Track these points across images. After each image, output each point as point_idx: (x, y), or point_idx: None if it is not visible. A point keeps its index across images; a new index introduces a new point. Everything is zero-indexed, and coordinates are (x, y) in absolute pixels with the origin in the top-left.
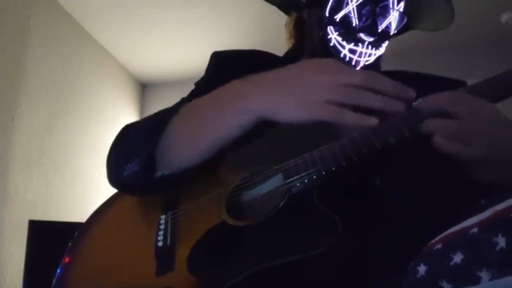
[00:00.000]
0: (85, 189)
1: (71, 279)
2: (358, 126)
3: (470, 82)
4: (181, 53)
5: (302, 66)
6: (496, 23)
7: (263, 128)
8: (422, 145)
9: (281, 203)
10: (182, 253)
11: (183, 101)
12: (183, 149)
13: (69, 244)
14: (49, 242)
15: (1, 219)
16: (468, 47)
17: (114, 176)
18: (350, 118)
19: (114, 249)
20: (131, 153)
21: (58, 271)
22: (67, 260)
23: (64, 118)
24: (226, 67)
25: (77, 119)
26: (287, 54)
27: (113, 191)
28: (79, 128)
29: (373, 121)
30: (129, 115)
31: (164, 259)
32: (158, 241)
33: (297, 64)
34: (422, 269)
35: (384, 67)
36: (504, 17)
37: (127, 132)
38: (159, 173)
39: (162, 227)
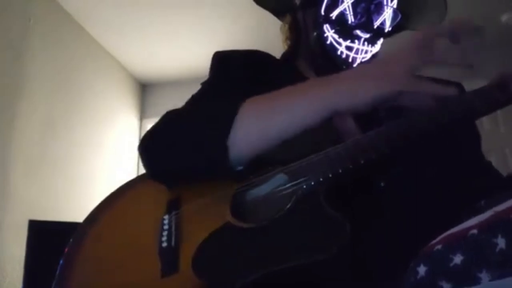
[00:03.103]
0: (85, 189)
1: (72, 280)
2: (436, 94)
3: (470, 82)
4: (181, 53)
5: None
6: (496, 23)
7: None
8: (428, 146)
9: (288, 205)
10: (187, 255)
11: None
12: (254, 137)
13: (66, 248)
14: (49, 242)
15: (1, 219)
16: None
17: (171, 166)
18: (429, 86)
19: (118, 250)
20: (197, 143)
21: (59, 268)
22: (64, 260)
23: (64, 118)
24: (227, 66)
25: (77, 119)
26: (283, 56)
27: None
28: (79, 128)
29: (451, 90)
30: (129, 115)
31: (169, 260)
32: (162, 242)
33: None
34: (422, 269)
35: None
36: (504, 17)
37: (180, 120)
38: (232, 162)
39: (166, 227)
